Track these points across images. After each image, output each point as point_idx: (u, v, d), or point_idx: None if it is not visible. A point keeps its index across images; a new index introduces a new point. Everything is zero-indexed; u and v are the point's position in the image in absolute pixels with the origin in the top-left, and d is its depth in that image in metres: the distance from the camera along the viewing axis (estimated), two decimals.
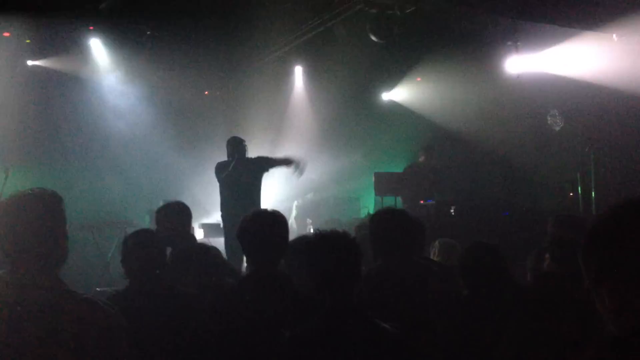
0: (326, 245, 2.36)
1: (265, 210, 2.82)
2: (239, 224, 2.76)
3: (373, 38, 8.16)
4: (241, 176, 6.92)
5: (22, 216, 2.00)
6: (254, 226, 2.70)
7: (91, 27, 8.57)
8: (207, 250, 4.36)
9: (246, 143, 7.11)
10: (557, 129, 9.03)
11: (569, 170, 8.60)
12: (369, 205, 10.30)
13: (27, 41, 8.60)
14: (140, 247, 3.11)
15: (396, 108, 11.11)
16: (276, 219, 2.74)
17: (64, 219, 2.09)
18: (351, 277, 2.30)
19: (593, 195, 7.74)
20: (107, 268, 8.08)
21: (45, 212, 2.04)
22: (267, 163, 7.11)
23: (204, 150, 9.96)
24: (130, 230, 7.95)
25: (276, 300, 2.54)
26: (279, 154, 7.80)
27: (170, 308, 2.92)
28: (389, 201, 8.42)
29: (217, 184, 7.17)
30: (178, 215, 4.56)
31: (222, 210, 7.13)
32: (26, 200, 2.04)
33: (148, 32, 8.56)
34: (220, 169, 7.06)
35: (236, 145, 7.01)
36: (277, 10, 8.00)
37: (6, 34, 8.36)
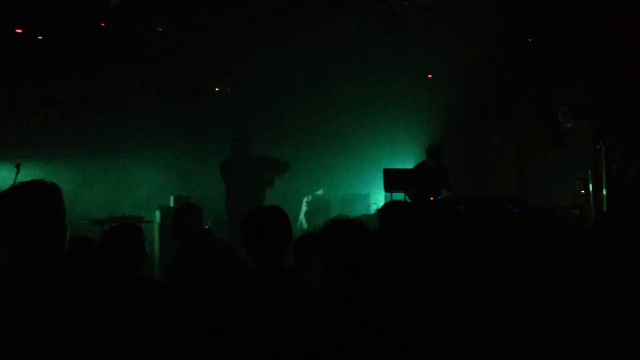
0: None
1: (266, 207, 2.83)
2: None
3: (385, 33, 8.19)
4: (247, 172, 6.95)
5: (20, 206, 2.02)
6: (255, 223, 2.71)
7: (102, 24, 8.61)
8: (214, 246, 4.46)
9: (250, 139, 7.13)
10: (569, 125, 8.97)
11: (580, 167, 8.56)
12: (378, 201, 10.29)
13: (40, 37, 8.66)
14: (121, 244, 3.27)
15: (407, 104, 11.08)
16: (277, 215, 2.74)
17: (63, 210, 2.10)
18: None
19: (605, 192, 7.69)
20: None
21: (44, 203, 2.05)
22: (270, 164, 7.15)
23: (214, 145, 10.01)
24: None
25: (279, 296, 2.55)
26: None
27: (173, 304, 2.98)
28: (399, 197, 8.41)
29: (215, 181, 7.20)
30: (188, 215, 4.62)
31: (227, 207, 7.15)
32: (25, 190, 2.06)
33: (159, 29, 8.58)
34: (225, 166, 7.08)
35: (241, 142, 7.03)
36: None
37: (18, 31, 8.42)
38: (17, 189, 2.07)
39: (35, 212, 2.03)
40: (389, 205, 3.41)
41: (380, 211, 3.35)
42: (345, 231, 2.42)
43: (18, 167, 7.15)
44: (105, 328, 1.99)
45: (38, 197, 2.06)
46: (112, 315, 2.03)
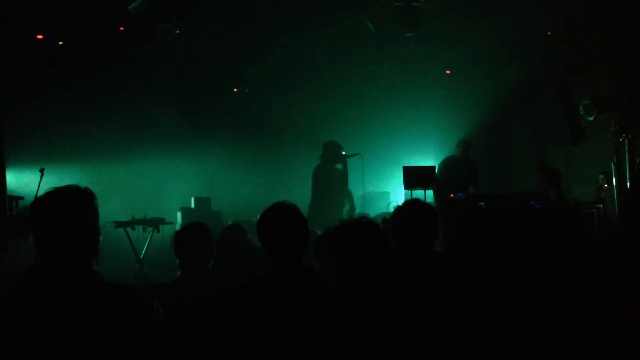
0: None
1: (281, 206, 2.79)
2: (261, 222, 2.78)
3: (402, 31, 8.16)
4: (343, 177, 7.19)
5: (56, 210, 2.09)
6: (271, 223, 2.72)
7: (121, 28, 8.68)
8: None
9: (340, 147, 7.35)
10: (591, 118, 8.85)
11: (602, 161, 8.45)
12: (398, 199, 10.26)
13: (60, 43, 8.77)
14: (194, 239, 3.44)
15: (426, 101, 11.02)
16: (292, 214, 2.74)
17: (97, 214, 2.18)
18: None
19: (628, 186, 7.58)
20: (141, 265, 8.23)
21: (79, 207, 2.12)
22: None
23: (233, 147, 10.07)
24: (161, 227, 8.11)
25: (298, 295, 2.56)
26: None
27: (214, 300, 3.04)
28: (419, 195, 8.37)
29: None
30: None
31: (315, 207, 7.30)
32: (61, 195, 2.13)
33: (177, 32, 8.63)
34: (323, 171, 7.28)
35: (338, 148, 7.30)
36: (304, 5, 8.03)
37: (39, 37, 8.54)
38: (54, 194, 2.13)
39: (71, 215, 2.09)
40: (402, 207, 3.42)
41: (395, 212, 3.37)
42: (354, 231, 2.43)
43: (42, 171, 7.26)
44: (144, 323, 2.06)
45: (74, 201, 2.13)
46: (150, 311, 2.09)
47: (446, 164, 8.48)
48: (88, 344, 1.97)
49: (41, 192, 7.00)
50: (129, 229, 8.33)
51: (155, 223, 8.50)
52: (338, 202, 7.26)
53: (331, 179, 7.35)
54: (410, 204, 3.46)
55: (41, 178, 7.17)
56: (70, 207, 2.10)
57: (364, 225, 2.45)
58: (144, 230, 8.55)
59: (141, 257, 8.32)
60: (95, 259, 2.14)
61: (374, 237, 2.41)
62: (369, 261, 2.37)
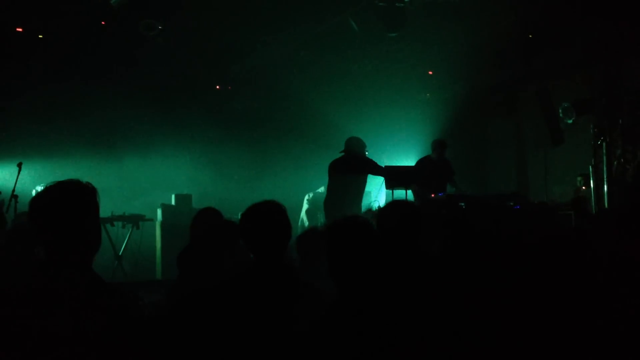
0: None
1: (264, 202, 2.79)
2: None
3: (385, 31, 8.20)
4: (357, 172, 7.24)
5: (59, 205, 2.04)
6: (253, 219, 2.72)
7: (103, 22, 8.60)
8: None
9: (355, 144, 7.40)
10: (570, 121, 8.97)
11: (581, 164, 8.56)
12: (380, 199, 10.29)
13: (40, 36, 8.67)
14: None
15: (407, 101, 11.08)
16: (274, 210, 2.74)
17: (98, 209, 2.13)
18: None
19: (605, 188, 7.70)
20: (120, 262, 8.17)
21: (81, 202, 2.07)
22: (374, 168, 7.37)
23: (214, 143, 10.01)
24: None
25: (278, 291, 2.57)
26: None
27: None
28: (400, 194, 8.41)
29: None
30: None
31: (327, 202, 7.33)
32: (63, 190, 2.07)
33: (160, 27, 8.57)
34: (337, 165, 7.33)
35: (359, 145, 7.35)
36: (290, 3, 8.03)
37: (19, 29, 8.43)
38: (54, 189, 2.07)
39: (72, 211, 2.05)
40: (387, 207, 3.43)
41: (380, 212, 3.38)
42: (351, 229, 2.43)
43: (20, 166, 7.18)
44: (134, 323, 2.04)
45: (75, 196, 2.07)
46: (142, 308, 2.10)
47: (422, 164, 8.52)
48: (86, 342, 1.95)
49: (19, 186, 6.91)
50: (108, 225, 8.25)
51: (135, 220, 8.44)
52: (348, 198, 7.28)
53: (337, 171, 7.41)
54: (394, 203, 3.48)
55: (19, 172, 7.10)
56: (73, 201, 2.05)
57: (359, 224, 2.44)
58: (123, 226, 8.49)
59: (120, 253, 8.26)
60: (94, 255, 2.10)
61: (368, 236, 2.41)
62: (362, 260, 2.36)
